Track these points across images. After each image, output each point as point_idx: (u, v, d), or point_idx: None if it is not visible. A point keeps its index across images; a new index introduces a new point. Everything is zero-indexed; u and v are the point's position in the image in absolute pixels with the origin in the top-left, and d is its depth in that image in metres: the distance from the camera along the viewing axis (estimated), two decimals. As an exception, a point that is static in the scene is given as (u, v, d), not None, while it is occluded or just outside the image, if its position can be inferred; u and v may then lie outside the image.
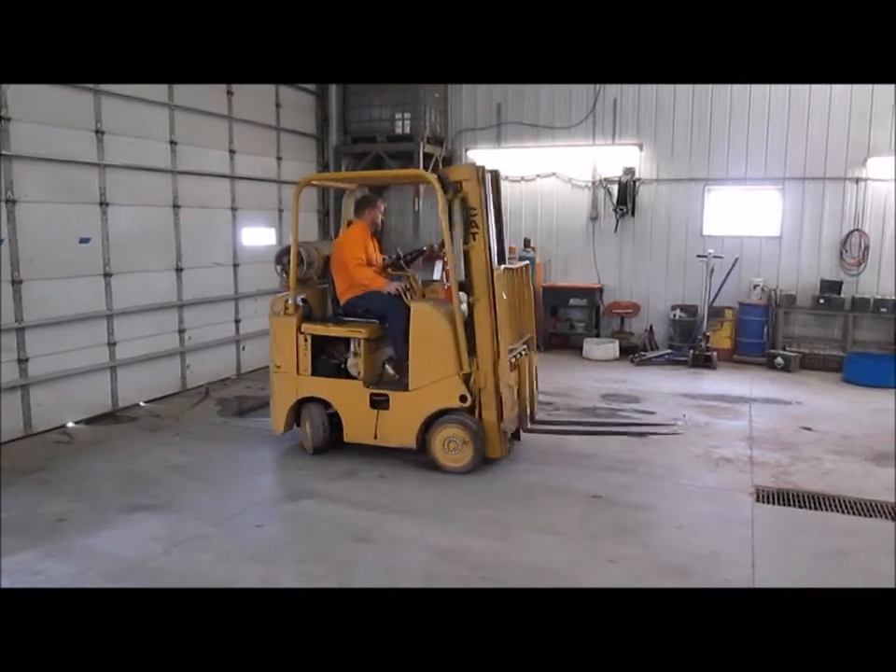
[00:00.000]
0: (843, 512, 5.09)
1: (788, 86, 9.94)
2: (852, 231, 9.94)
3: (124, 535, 4.69)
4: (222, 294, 8.97)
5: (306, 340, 5.98)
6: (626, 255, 11.06)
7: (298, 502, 5.24)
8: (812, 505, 5.21)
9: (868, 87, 9.60)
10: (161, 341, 8.07)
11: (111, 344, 7.41)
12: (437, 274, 6.29)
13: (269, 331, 6.27)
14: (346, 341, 6.03)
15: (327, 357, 6.06)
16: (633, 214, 10.86)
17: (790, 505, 5.22)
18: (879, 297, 9.73)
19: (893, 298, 9.67)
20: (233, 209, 9.07)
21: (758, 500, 5.27)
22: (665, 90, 10.57)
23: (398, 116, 10.84)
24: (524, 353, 6.07)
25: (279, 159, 9.95)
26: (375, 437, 5.93)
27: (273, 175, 9.86)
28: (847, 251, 10.01)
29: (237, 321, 9.26)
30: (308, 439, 6.15)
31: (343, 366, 6.05)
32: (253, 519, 4.94)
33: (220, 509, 5.08)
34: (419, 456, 5.90)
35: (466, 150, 11.72)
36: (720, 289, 10.10)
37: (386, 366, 6.16)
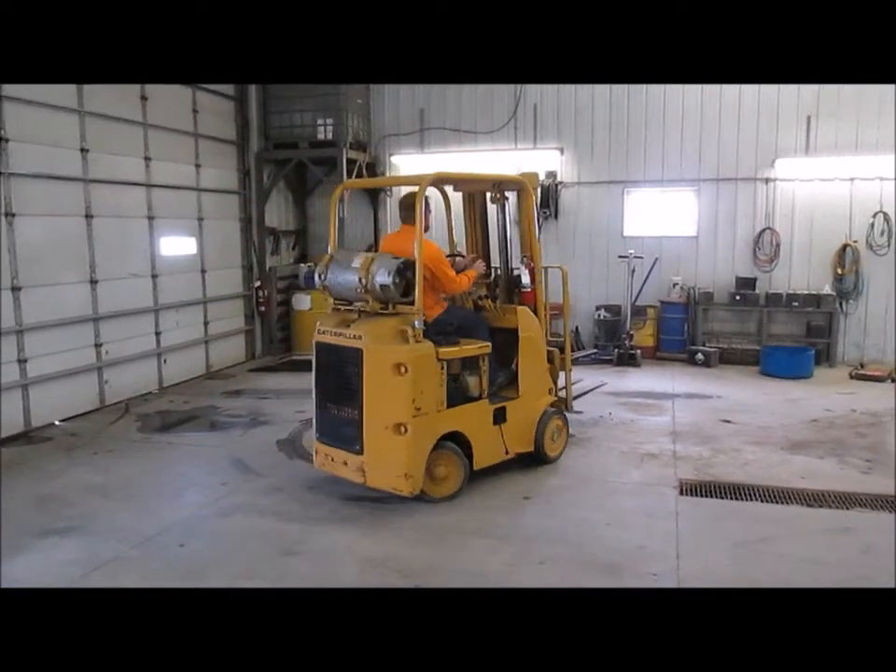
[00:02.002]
0: (761, 501, 5.27)
1: (700, 90, 10.31)
2: (764, 230, 10.34)
3: (40, 560, 4.47)
4: (141, 306, 8.68)
5: (443, 368, 5.12)
6: (550, 257, 11.09)
7: (223, 518, 5.10)
8: (733, 495, 5.38)
9: (775, 91, 10.02)
10: (77, 356, 7.74)
11: (21, 361, 7.07)
12: (526, 279, 6.11)
13: (381, 367, 4.97)
14: (462, 361, 5.40)
15: (452, 384, 5.32)
16: (556, 216, 11.04)
17: (711, 496, 5.37)
18: (791, 291, 10.15)
19: (804, 292, 10.10)
20: (150, 218, 8.79)
21: (681, 493, 5.41)
22: (584, 94, 10.79)
23: (320, 121, 10.73)
24: None
25: (198, 166, 9.71)
26: (507, 452, 5.69)
27: (191, 183, 9.61)
28: (759, 248, 10.41)
29: (157, 333, 8.97)
30: (442, 483, 5.29)
31: (465, 389, 5.45)
32: (176, 537, 4.78)
33: (141, 528, 4.90)
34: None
35: (390, 156, 11.71)
36: (641, 289, 10.35)
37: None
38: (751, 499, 5.30)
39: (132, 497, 5.52)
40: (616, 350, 10.19)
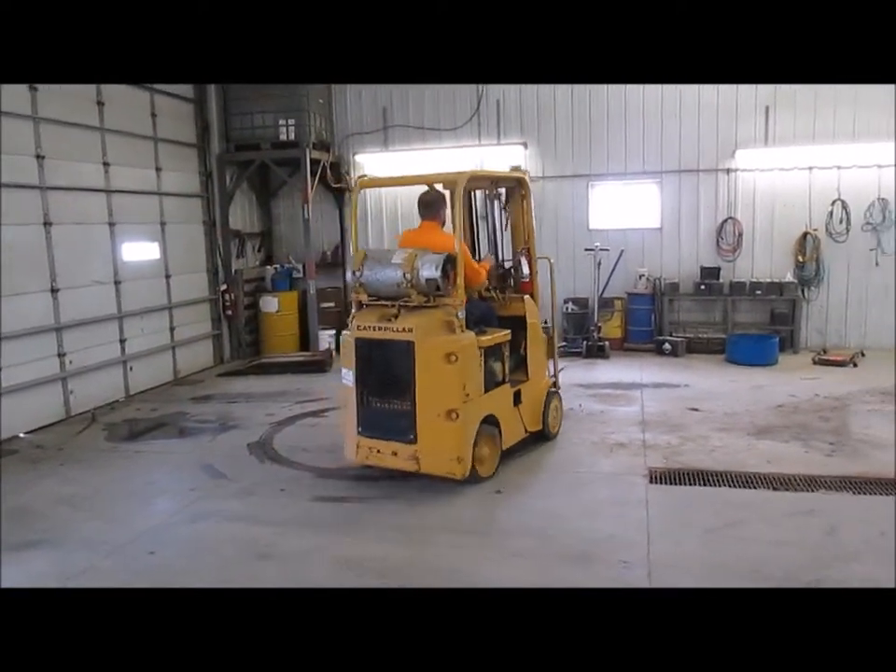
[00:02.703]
0: (729, 486, 5.35)
1: (661, 84, 10.40)
2: (726, 220, 10.50)
3: (10, 574, 4.38)
4: (105, 313, 8.55)
5: (481, 355, 5.44)
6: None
7: (194, 524, 5.06)
8: (701, 482, 5.45)
9: (733, 84, 10.15)
10: (40, 367, 7.60)
11: (-18, 374, 6.95)
12: (525, 270, 6.52)
13: (433, 357, 5.20)
14: (490, 348, 5.63)
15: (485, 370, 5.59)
16: (510, 211, 11.02)
17: (681, 483, 5.45)
18: (755, 280, 10.31)
19: (767, 280, 10.27)
20: (111, 224, 8.66)
21: (651, 482, 5.47)
22: (546, 89, 10.85)
23: (281, 122, 10.63)
24: None
25: (158, 170, 9.58)
26: (525, 430, 6.14)
27: (152, 188, 9.48)
28: (722, 238, 10.55)
29: (122, 341, 8.84)
30: (485, 462, 5.55)
31: (493, 374, 5.72)
32: (146, 546, 4.73)
33: (111, 538, 4.84)
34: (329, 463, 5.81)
35: (354, 155, 11.67)
36: (608, 281, 10.43)
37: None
38: (720, 485, 5.38)
39: (101, 507, 5.44)
40: (585, 342, 10.27)
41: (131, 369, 9.00)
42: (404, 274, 5.27)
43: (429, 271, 5.24)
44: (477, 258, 6.40)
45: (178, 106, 10.12)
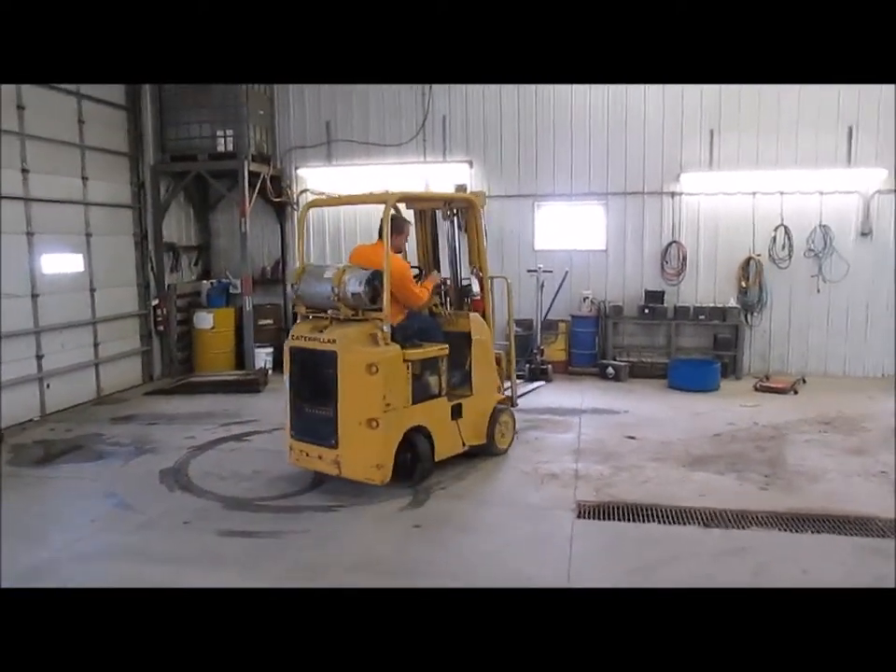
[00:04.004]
0: (658, 522, 5.12)
1: (607, 104, 10.32)
2: (671, 243, 10.40)
3: None
4: (19, 328, 8.06)
5: (408, 368, 5.63)
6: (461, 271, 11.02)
7: (81, 564, 4.61)
8: (630, 517, 5.22)
9: (679, 105, 10.11)
10: (-58, 384, 7.12)
11: None
12: (476, 287, 6.88)
13: (355, 367, 5.41)
14: (424, 362, 5.87)
15: (415, 382, 5.78)
16: (465, 230, 10.80)
17: (609, 518, 5.20)
18: (698, 304, 10.22)
19: (711, 305, 10.19)
20: (29, 234, 8.20)
21: (579, 516, 5.22)
22: (492, 106, 10.68)
23: (219, 133, 10.28)
24: None
25: (85, 179, 9.13)
26: (463, 444, 6.18)
27: (77, 197, 9.03)
28: (667, 262, 10.46)
29: (39, 357, 8.35)
30: (417, 472, 5.79)
31: (427, 387, 5.94)
32: (26, 586, 4.29)
33: (-14, 578, 4.41)
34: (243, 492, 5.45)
35: (296, 169, 11.34)
36: (552, 303, 10.24)
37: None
38: (649, 520, 5.15)
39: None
40: (527, 365, 10.04)
41: (48, 386, 8.50)
42: (333, 288, 5.56)
43: (354, 286, 5.51)
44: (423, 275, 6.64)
45: (109, 113, 9.70)
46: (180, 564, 4.57)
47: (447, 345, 6.00)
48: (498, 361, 6.82)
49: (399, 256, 6.09)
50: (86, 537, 5.04)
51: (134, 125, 10.15)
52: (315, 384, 5.64)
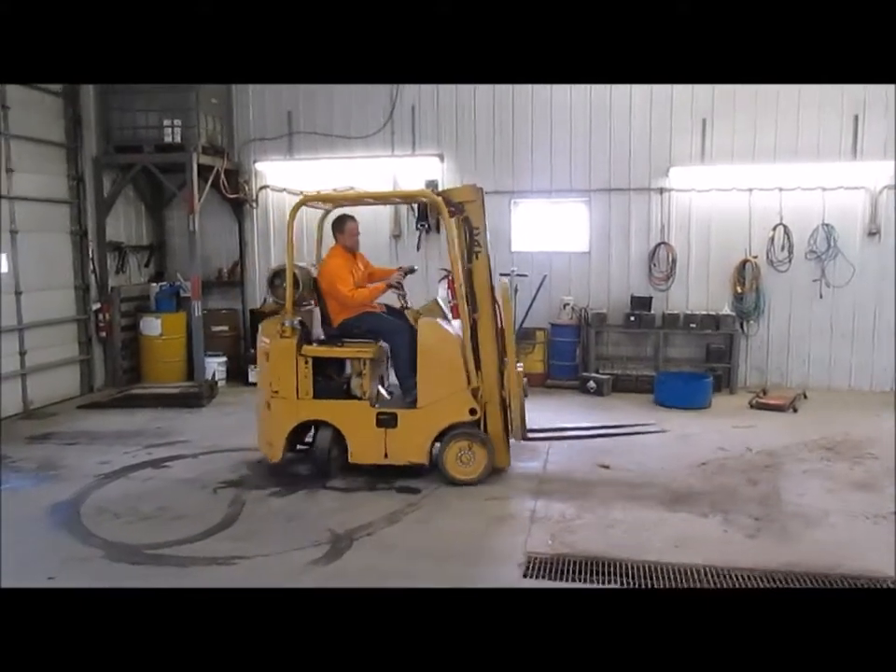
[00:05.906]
0: (619, 583, 4.21)
1: (588, 93, 9.43)
2: (659, 244, 9.50)
3: None
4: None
5: (307, 363, 5.87)
6: (432, 274, 10.12)
7: None
8: (586, 576, 4.30)
9: (668, 94, 9.22)
10: None
11: None
12: (442, 293, 6.70)
13: (261, 355, 6.13)
14: (341, 362, 6.13)
15: (325, 379, 5.99)
16: (437, 230, 9.96)
17: (561, 578, 4.28)
18: (689, 312, 9.31)
19: (703, 312, 9.27)
20: (-62, 231, 7.36)
21: (525, 575, 4.31)
22: (465, 95, 9.79)
23: (167, 122, 9.40)
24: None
25: (9, 171, 8.26)
26: (385, 456, 5.89)
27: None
28: (655, 265, 9.56)
29: (-50, 367, 7.51)
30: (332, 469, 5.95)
31: (345, 387, 6.00)
32: None
33: None
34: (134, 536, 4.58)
35: (254, 162, 10.45)
36: (529, 309, 9.27)
37: (379, 387, 6.25)
38: (608, 580, 4.24)
39: None
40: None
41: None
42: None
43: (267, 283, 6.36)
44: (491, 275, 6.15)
45: (41, 99, 8.83)
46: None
47: (370, 349, 5.91)
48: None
49: (349, 254, 6.21)
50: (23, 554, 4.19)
51: (72, 113, 9.28)
52: None
